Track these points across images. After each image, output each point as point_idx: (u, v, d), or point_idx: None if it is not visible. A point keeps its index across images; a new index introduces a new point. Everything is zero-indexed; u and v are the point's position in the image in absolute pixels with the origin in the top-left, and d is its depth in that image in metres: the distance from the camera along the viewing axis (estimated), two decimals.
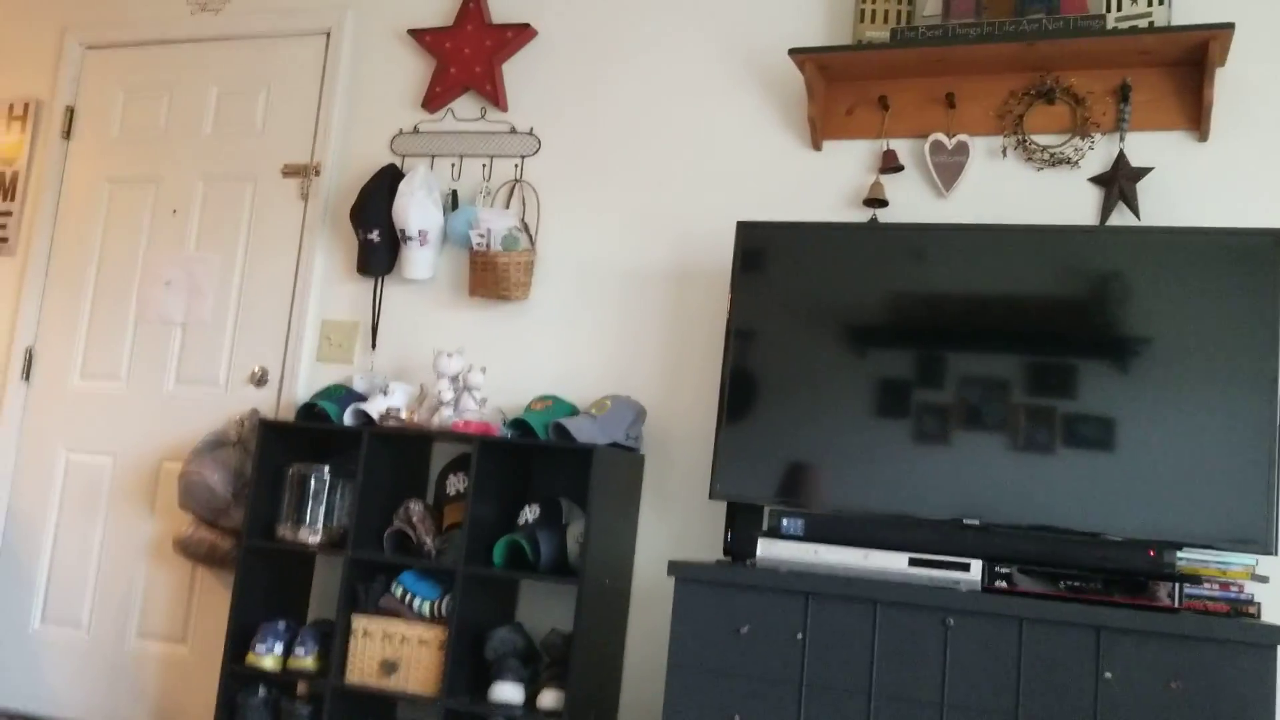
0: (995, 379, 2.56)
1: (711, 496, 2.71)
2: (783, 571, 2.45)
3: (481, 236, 3.24)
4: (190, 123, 3.84)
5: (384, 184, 3.40)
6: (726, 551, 2.75)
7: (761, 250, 2.79)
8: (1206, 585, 2.34)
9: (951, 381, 2.59)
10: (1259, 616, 2.31)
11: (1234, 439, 2.38)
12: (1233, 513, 2.35)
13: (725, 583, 2.46)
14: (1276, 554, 2.33)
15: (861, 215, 3.00)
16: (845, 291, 2.70)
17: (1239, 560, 2.39)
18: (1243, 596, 2.33)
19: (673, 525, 3.05)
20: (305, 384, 3.50)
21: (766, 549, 2.55)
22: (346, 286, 3.52)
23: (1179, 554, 2.40)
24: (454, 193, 3.42)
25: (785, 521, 2.61)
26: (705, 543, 3.01)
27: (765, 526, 2.70)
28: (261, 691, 3.06)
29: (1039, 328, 2.56)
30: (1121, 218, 2.78)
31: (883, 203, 2.95)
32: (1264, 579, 2.38)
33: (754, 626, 2.43)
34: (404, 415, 3.09)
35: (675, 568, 2.50)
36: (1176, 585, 2.29)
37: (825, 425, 2.65)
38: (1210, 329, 2.44)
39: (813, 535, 2.58)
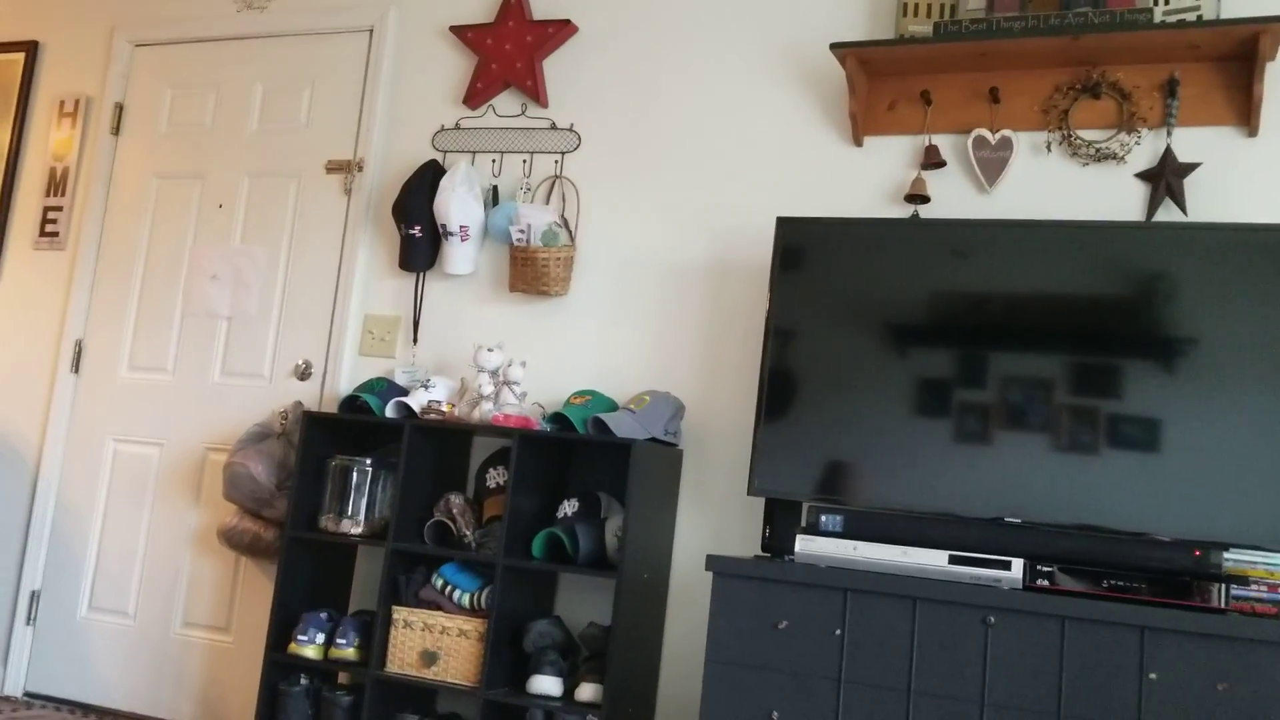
0: (1038, 378, 2.54)
1: (750, 492, 2.71)
2: (821, 567, 2.45)
3: (522, 232, 3.25)
4: (236, 119, 3.88)
5: (425, 180, 3.43)
6: (765, 547, 2.75)
7: (801, 246, 2.78)
8: (1254, 586, 2.31)
9: (993, 380, 2.57)
10: None
11: None
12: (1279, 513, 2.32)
13: (764, 578, 2.46)
14: None
15: (903, 211, 2.98)
16: (886, 288, 2.69)
17: None
18: None
19: (711, 520, 3.05)
20: (348, 377, 3.54)
21: (805, 545, 2.55)
22: (388, 281, 3.55)
23: (1226, 555, 2.37)
24: (495, 188, 3.44)
25: (824, 518, 2.60)
26: (743, 538, 3.01)
27: (804, 523, 2.70)
28: (303, 681, 3.10)
29: (1083, 326, 2.53)
30: (1168, 214, 2.75)
31: (925, 199, 2.93)
32: None
33: (792, 622, 2.42)
34: (445, 409, 3.12)
35: (713, 562, 2.50)
36: (1223, 586, 2.26)
37: (865, 423, 2.64)
38: (1258, 327, 2.40)
39: (851, 532, 2.57)
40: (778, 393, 2.73)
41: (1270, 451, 2.34)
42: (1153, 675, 2.17)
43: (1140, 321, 2.49)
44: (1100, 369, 2.50)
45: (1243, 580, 2.32)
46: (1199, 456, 2.39)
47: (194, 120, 3.96)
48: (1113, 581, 2.33)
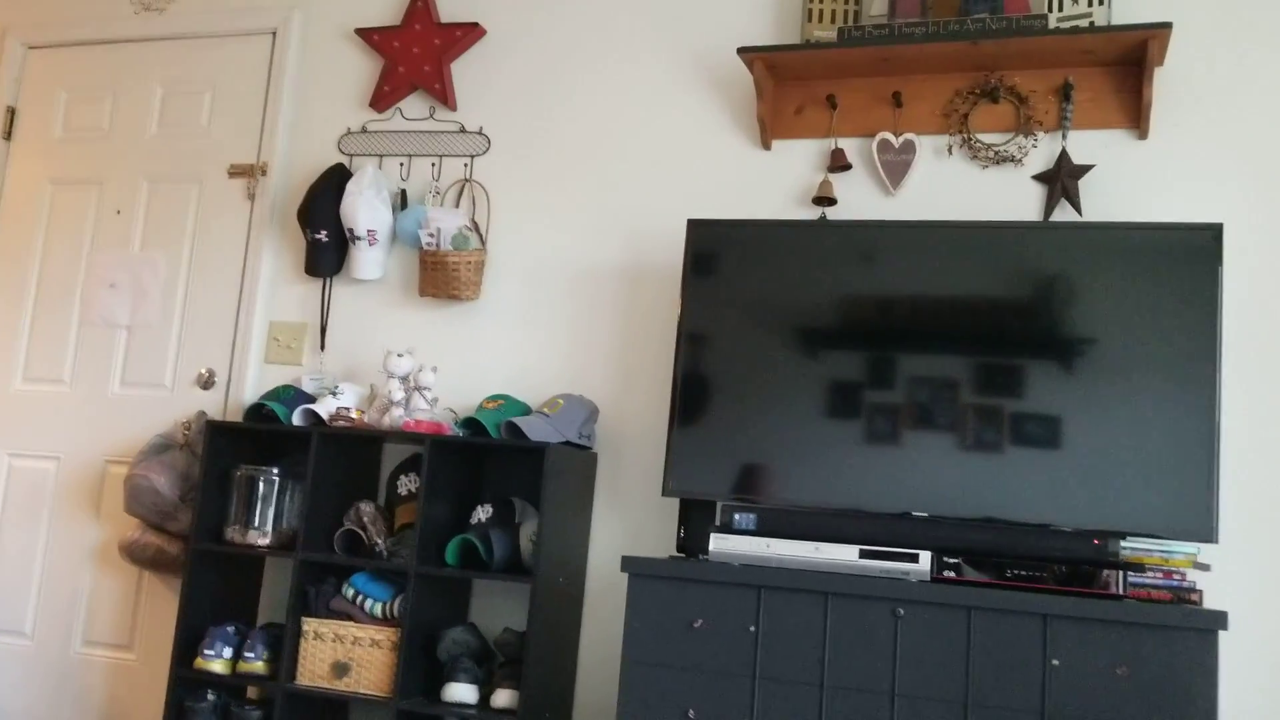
0: (944, 379, 2.59)
1: (665, 493, 2.71)
2: (735, 565, 2.47)
3: (431, 236, 3.22)
4: (134, 123, 3.78)
5: (331, 184, 3.37)
6: (680, 547, 2.76)
7: (712, 249, 2.80)
8: (1150, 573, 2.39)
9: (901, 381, 2.62)
10: (1201, 603, 2.36)
11: (1176, 432, 2.42)
12: (1175, 503, 2.40)
13: (678, 577, 2.47)
14: (1217, 542, 2.38)
15: (811, 214, 3.02)
16: (795, 291, 2.72)
17: (1182, 549, 2.44)
18: (1185, 584, 2.37)
19: (626, 522, 3.05)
20: (253, 386, 3.46)
21: (719, 543, 2.56)
22: (295, 287, 3.49)
23: (1124, 544, 2.45)
24: (403, 192, 3.40)
25: (737, 516, 2.62)
26: (659, 539, 3.02)
27: (718, 522, 2.71)
28: (210, 696, 3.02)
29: (986, 327, 2.59)
30: (1064, 215, 2.83)
31: (831, 201, 2.98)
32: (1205, 567, 2.42)
33: (707, 620, 2.43)
34: (354, 416, 3.07)
35: (629, 563, 2.50)
36: (1121, 573, 2.33)
37: (777, 425, 2.67)
38: (1152, 324, 2.48)
39: (765, 529, 2.59)
40: (691, 395, 2.75)
41: (1164, 444, 2.43)
42: (1055, 661, 2.22)
43: (1040, 321, 2.56)
44: (1003, 369, 2.56)
45: (1139, 568, 2.39)
46: (1097, 451, 2.46)
47: (90, 124, 3.84)
48: (1017, 571, 2.39)
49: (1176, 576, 2.38)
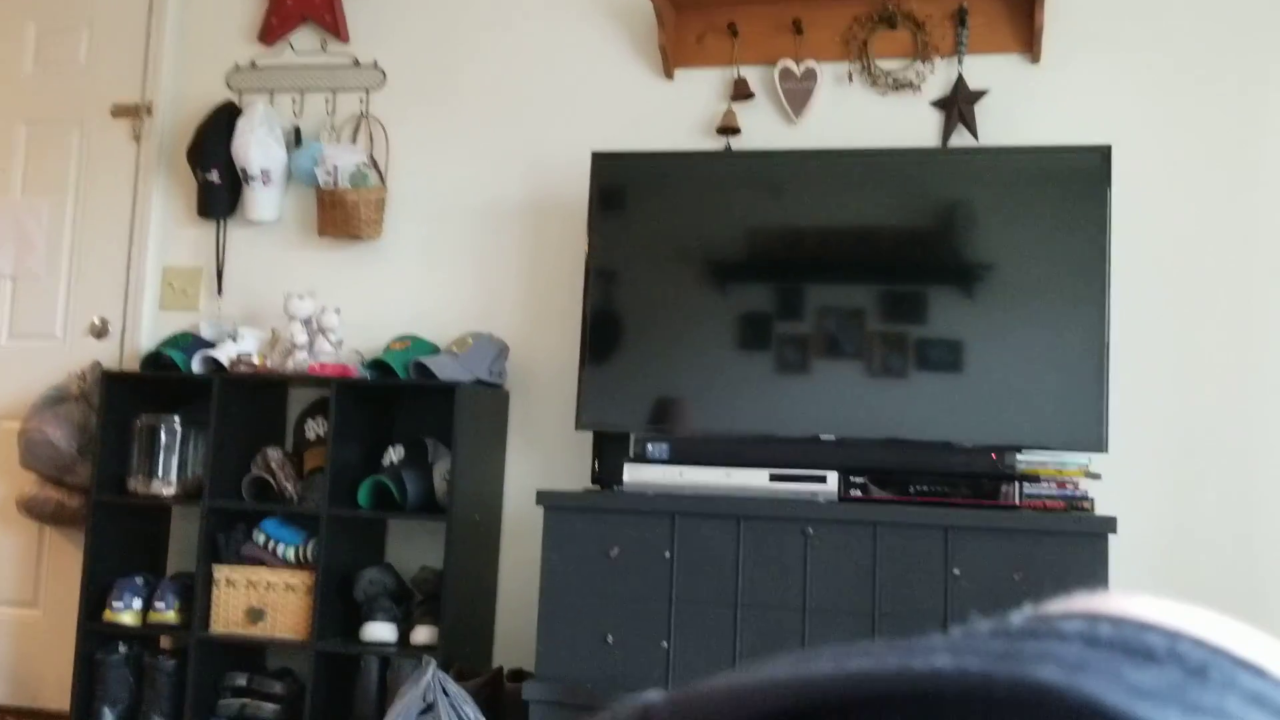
0: (851, 308, 2.64)
1: (578, 427, 2.73)
2: (649, 494, 2.50)
3: (328, 174, 3.15)
4: (7, 62, 3.59)
5: (221, 122, 3.26)
6: (595, 480, 2.78)
7: (618, 182, 2.79)
8: (1045, 484, 2.49)
9: (810, 312, 2.66)
10: (1092, 510, 2.47)
11: (1068, 350, 2.51)
12: (1068, 417, 2.50)
13: (593, 508, 2.50)
14: (1107, 451, 2.49)
15: (716, 144, 3.03)
16: (703, 224, 2.73)
17: (1074, 460, 2.54)
18: (1077, 493, 2.48)
19: (541, 458, 3.06)
20: (149, 333, 3.36)
21: (633, 474, 2.59)
22: (188, 231, 3.38)
23: (1020, 457, 2.54)
24: (296, 129, 3.31)
25: (650, 447, 2.65)
26: (574, 473, 3.04)
27: (631, 454, 2.74)
28: (122, 648, 2.97)
29: (890, 255, 2.64)
30: (963, 140, 2.88)
31: (735, 131, 2.98)
32: (1096, 476, 2.53)
33: (623, 549, 2.47)
34: (256, 361, 3.01)
35: (544, 497, 2.52)
36: (1017, 485, 2.42)
37: (688, 358, 2.70)
38: (1045, 247, 2.56)
39: (677, 458, 2.63)
40: (601, 329, 2.75)
41: (1057, 362, 2.52)
42: (956, 570, 2.31)
43: (942, 248, 2.62)
44: (907, 296, 2.62)
45: (1034, 479, 2.49)
46: (996, 371, 2.54)
47: None
48: (919, 488, 2.47)
49: (1069, 486, 2.49)
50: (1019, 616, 0.22)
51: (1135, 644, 0.21)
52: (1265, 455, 2.69)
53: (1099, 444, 2.48)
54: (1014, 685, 0.19)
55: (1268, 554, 2.65)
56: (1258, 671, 0.20)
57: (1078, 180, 2.56)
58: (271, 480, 2.95)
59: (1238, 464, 2.69)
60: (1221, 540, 2.67)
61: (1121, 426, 2.73)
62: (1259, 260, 2.74)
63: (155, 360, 3.10)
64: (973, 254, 2.59)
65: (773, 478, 2.52)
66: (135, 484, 3.02)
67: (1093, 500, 2.48)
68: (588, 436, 3.02)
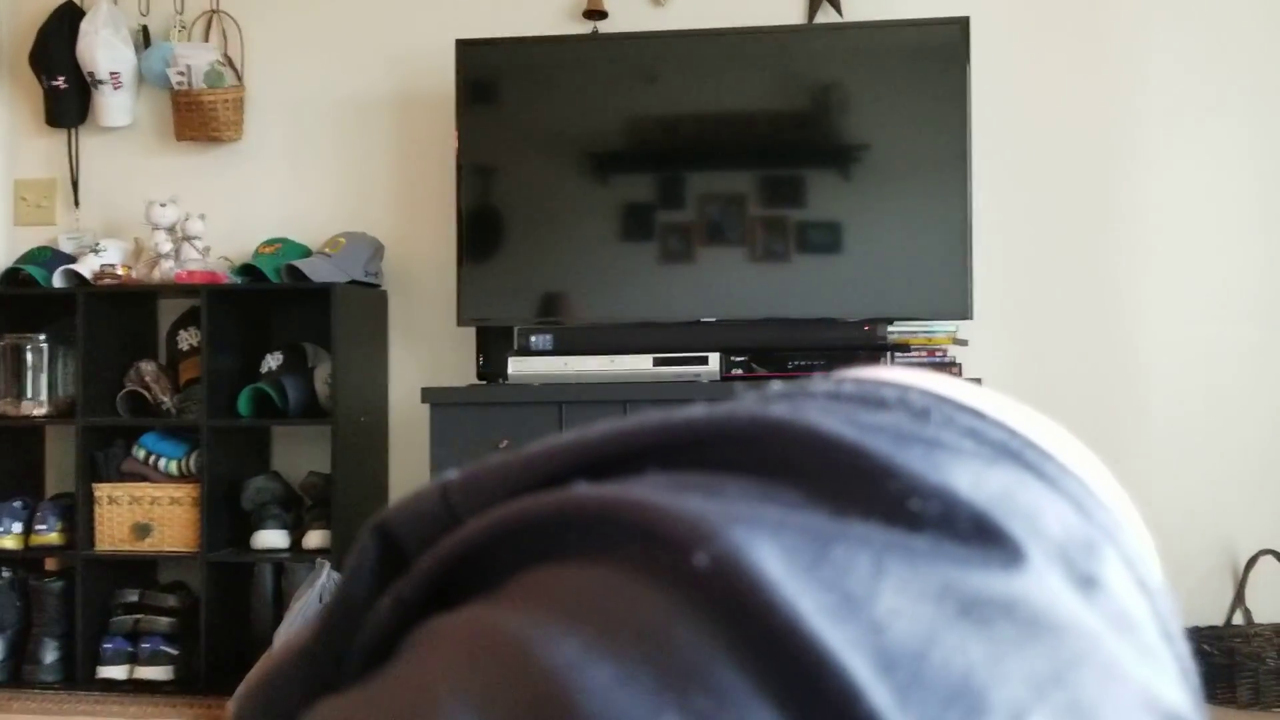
0: (731, 194, 2.66)
1: (460, 323, 2.72)
2: (535, 385, 2.52)
3: (181, 74, 3.01)
4: None
5: (63, 24, 3.08)
6: (480, 375, 2.79)
7: (485, 73, 2.74)
8: (915, 352, 2.58)
9: (690, 200, 2.67)
10: (960, 374, 2.58)
11: (936, 224, 2.59)
12: (936, 288, 2.58)
13: (479, 402, 2.51)
14: (972, 318, 2.59)
15: (583, 29, 2.97)
16: (576, 113, 2.71)
17: (942, 328, 2.64)
18: (945, 359, 2.58)
19: (425, 356, 3.05)
20: (5, 251, 3.21)
21: (518, 366, 2.60)
22: (37, 141, 3.21)
23: (891, 328, 2.63)
24: (144, 29, 3.14)
25: (534, 339, 2.66)
26: (459, 370, 3.03)
27: (515, 347, 2.75)
28: (6, 573, 2.91)
29: (766, 140, 2.66)
30: (827, 17, 2.88)
31: (603, 14, 2.93)
32: (964, 342, 2.64)
33: (512, 441, 2.49)
34: (120, 272, 2.91)
35: (429, 394, 2.52)
36: (890, 354, 2.51)
37: (569, 249, 2.69)
38: (911, 123, 2.61)
39: (561, 349, 2.65)
40: (478, 224, 2.73)
41: (925, 236, 2.59)
42: None
43: (815, 130, 2.64)
44: (784, 180, 2.65)
45: (905, 348, 2.58)
46: (873, 249, 2.61)
47: None
48: (797, 363, 2.54)
49: (938, 353, 2.59)
50: (781, 385, 0.25)
51: (870, 395, 0.24)
52: (1119, 318, 2.82)
53: (965, 311, 2.57)
54: (751, 422, 0.22)
55: (1123, 410, 2.80)
56: (976, 413, 0.23)
57: (939, 54, 2.60)
58: (147, 394, 2.88)
59: (1095, 326, 2.82)
60: (1078, 397, 2.81)
61: (985, 294, 2.83)
62: (1115, 129, 2.83)
63: (13, 277, 2.97)
64: (845, 134, 2.62)
65: (656, 361, 2.56)
66: (4, 406, 2.92)
67: (961, 365, 2.58)
68: (471, 333, 3.01)
